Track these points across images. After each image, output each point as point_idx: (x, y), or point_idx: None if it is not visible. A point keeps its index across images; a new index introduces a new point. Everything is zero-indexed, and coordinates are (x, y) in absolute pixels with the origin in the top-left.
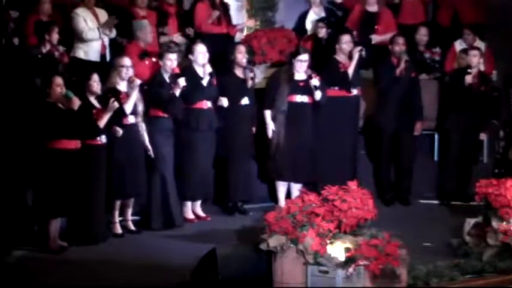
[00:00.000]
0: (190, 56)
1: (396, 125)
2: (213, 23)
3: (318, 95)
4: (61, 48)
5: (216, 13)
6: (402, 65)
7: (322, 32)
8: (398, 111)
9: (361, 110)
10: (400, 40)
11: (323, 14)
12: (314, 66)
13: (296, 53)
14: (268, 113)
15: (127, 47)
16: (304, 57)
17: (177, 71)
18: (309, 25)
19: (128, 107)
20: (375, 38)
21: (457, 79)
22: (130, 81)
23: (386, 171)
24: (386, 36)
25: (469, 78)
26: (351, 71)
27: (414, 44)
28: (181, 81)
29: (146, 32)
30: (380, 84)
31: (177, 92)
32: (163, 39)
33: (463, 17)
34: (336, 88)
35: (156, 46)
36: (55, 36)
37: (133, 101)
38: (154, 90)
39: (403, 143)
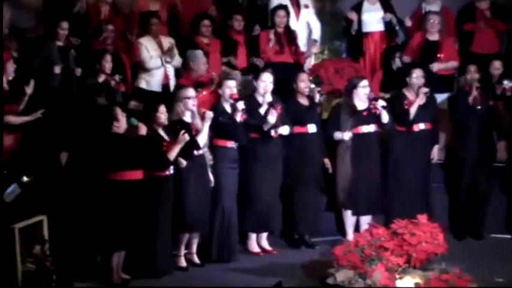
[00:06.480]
0: (254, 83)
1: (476, 155)
2: (275, 52)
3: (385, 117)
4: (117, 77)
5: (273, 42)
6: (474, 92)
7: (397, 63)
8: (479, 141)
9: (441, 141)
10: (472, 68)
11: (378, 5)
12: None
13: (355, 83)
14: (336, 133)
15: (181, 78)
16: (365, 82)
17: (236, 96)
18: (365, 16)
19: (201, 140)
20: (436, 67)
21: (459, 100)
22: (202, 114)
23: (464, 204)
24: (448, 65)
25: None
26: (413, 110)
27: (487, 76)
28: (240, 105)
29: (199, 62)
30: (456, 116)
31: (238, 117)
32: None
33: None
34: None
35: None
36: (107, 65)
37: (207, 134)
38: (216, 119)
39: (481, 174)
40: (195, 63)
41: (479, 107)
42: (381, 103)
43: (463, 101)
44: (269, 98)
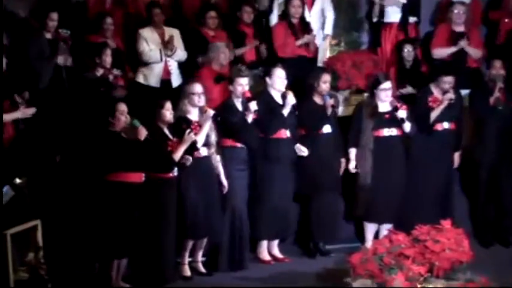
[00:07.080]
0: (267, 79)
1: (496, 158)
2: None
3: (407, 127)
4: (115, 71)
5: (304, 39)
6: (496, 93)
7: (407, 57)
8: (498, 143)
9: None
10: (497, 64)
11: None
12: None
13: (377, 82)
14: (353, 151)
15: (201, 71)
16: (387, 85)
17: (249, 95)
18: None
19: (200, 139)
20: (464, 43)
21: (480, 96)
22: (203, 112)
23: (484, 209)
24: (474, 52)
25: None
26: (434, 114)
27: None
28: (253, 105)
29: (220, 54)
30: (476, 114)
31: (249, 118)
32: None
33: None
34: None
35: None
36: (107, 59)
37: (206, 133)
38: (225, 118)
39: (504, 178)
40: (216, 55)
41: (500, 107)
42: (401, 114)
43: (484, 99)
44: (292, 100)
